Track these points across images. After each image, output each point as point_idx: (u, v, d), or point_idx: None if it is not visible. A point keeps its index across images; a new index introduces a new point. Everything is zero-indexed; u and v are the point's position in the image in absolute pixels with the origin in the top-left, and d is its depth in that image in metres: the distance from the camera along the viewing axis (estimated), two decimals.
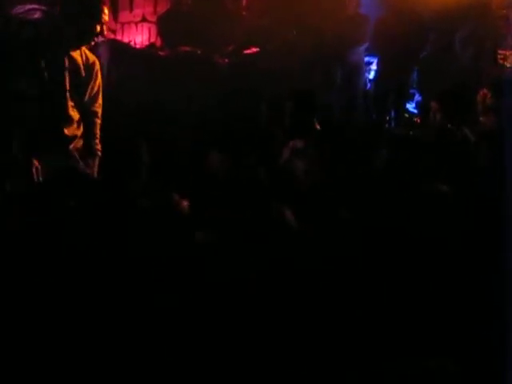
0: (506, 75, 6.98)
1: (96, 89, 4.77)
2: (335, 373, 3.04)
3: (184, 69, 7.61)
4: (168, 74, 7.57)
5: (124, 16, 8.81)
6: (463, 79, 6.90)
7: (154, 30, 8.93)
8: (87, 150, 4.77)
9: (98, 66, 4.78)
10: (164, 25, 8.56)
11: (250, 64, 7.98)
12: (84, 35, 4.57)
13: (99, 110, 4.81)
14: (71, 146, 4.69)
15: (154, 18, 8.94)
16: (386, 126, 7.85)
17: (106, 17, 4.60)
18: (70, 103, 4.63)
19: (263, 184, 4.39)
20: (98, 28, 4.54)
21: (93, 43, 4.65)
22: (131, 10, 8.83)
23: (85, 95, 4.71)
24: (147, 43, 8.87)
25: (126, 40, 8.75)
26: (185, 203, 3.83)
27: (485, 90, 6.09)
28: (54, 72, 4.54)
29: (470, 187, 4.52)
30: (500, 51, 7.21)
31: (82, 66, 4.64)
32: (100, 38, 4.68)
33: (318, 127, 5.57)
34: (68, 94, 4.59)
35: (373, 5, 8.74)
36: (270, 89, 6.67)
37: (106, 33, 4.69)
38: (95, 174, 4.79)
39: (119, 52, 7.82)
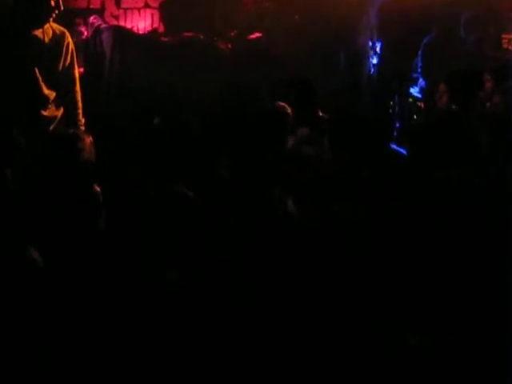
0: (510, 59, 6.95)
1: (69, 60, 4.65)
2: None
3: (187, 54, 7.58)
4: (171, 59, 7.54)
5: (127, 2, 8.80)
6: (468, 64, 6.86)
7: (156, 16, 8.91)
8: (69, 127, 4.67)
9: (68, 38, 4.65)
10: (167, 10, 8.53)
11: (253, 49, 7.95)
12: (40, 13, 4.46)
13: (76, 83, 4.69)
14: (51, 128, 4.60)
15: (156, 4, 8.92)
16: (390, 110, 7.83)
17: None
18: (43, 82, 4.53)
19: (265, 172, 4.37)
20: (53, 2, 4.43)
21: (52, 18, 4.51)
22: None
23: (57, 69, 4.59)
24: (150, 29, 8.84)
25: (128, 26, 8.72)
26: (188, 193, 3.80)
27: (487, 76, 6.04)
28: (20, 54, 4.45)
29: (474, 172, 4.51)
30: (504, 35, 7.18)
31: (49, 42, 4.51)
32: (59, 12, 4.52)
33: (321, 114, 5.53)
34: (38, 72, 4.49)
35: None
36: (272, 74, 6.63)
37: (61, 6, 4.51)
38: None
39: (122, 38, 7.78)
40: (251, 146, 4.67)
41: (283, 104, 5.05)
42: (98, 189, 3.82)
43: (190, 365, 3.04)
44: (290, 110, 4.95)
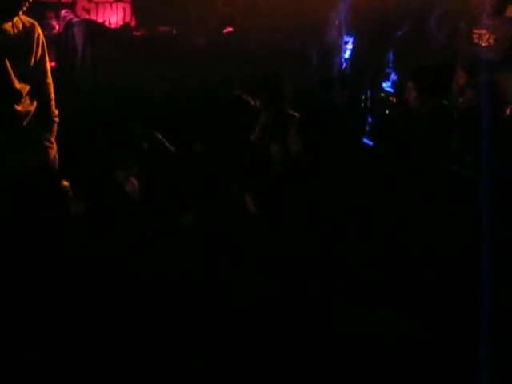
0: (481, 54, 7.01)
1: (40, 53, 4.60)
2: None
3: (159, 48, 7.58)
4: (143, 53, 7.53)
5: None
6: (439, 58, 6.92)
7: (128, 10, 8.87)
8: (43, 121, 4.67)
9: (38, 30, 4.57)
10: (139, 4, 8.52)
11: (226, 43, 7.96)
12: (9, 5, 4.40)
13: (48, 75, 4.66)
14: (25, 123, 4.58)
15: None
16: (362, 105, 7.87)
17: None
18: (15, 76, 4.50)
19: (224, 169, 4.37)
20: None
21: (22, 11, 4.45)
22: None
23: (29, 62, 4.57)
24: (122, 23, 8.80)
25: (100, 20, 8.68)
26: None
27: (460, 71, 6.10)
28: None
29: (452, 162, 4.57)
30: (475, 30, 7.24)
31: (19, 35, 4.47)
32: (29, 4, 4.48)
33: (290, 111, 5.48)
34: (10, 66, 4.45)
35: None
36: (245, 68, 6.64)
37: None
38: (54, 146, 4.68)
39: (94, 32, 7.76)
40: (217, 137, 4.67)
41: (246, 96, 5.06)
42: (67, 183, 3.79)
43: (189, 364, 3.06)
44: (253, 103, 4.94)
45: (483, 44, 7.15)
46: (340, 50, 8.54)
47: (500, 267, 3.32)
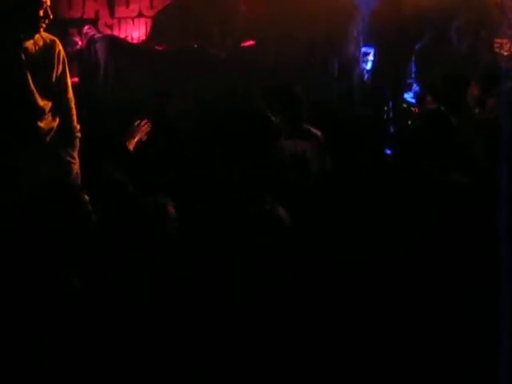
0: (502, 63, 6.99)
1: (61, 69, 4.64)
2: None
3: (181, 63, 7.62)
4: (165, 68, 7.58)
5: (120, 11, 8.79)
6: (460, 69, 6.90)
7: (150, 25, 8.92)
8: (65, 137, 4.70)
9: (59, 47, 4.60)
10: (162, 19, 8.57)
11: (247, 57, 7.99)
12: (29, 24, 4.44)
13: (69, 91, 4.69)
14: (48, 139, 4.62)
15: (150, 13, 8.93)
16: (384, 116, 7.86)
17: None
18: (38, 94, 4.54)
19: (256, 180, 4.36)
20: (41, 13, 4.37)
21: (43, 28, 4.50)
22: (127, 5, 8.82)
23: (51, 79, 4.60)
24: (144, 38, 8.86)
25: (122, 35, 8.74)
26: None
27: (473, 82, 6.07)
28: (11, 67, 4.42)
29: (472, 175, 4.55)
30: (496, 40, 7.22)
31: (40, 52, 4.51)
32: (49, 21, 4.52)
33: (308, 127, 5.44)
34: (32, 84, 4.49)
35: None
36: (265, 82, 6.64)
37: (50, 15, 4.42)
38: (77, 161, 4.72)
39: (116, 47, 7.82)
40: (237, 151, 4.66)
41: (264, 111, 5.00)
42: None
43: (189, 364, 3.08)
44: (272, 118, 4.88)
45: (505, 53, 7.14)
46: (358, 61, 8.54)
47: None
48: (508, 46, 7.08)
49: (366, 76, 8.64)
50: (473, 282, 3.50)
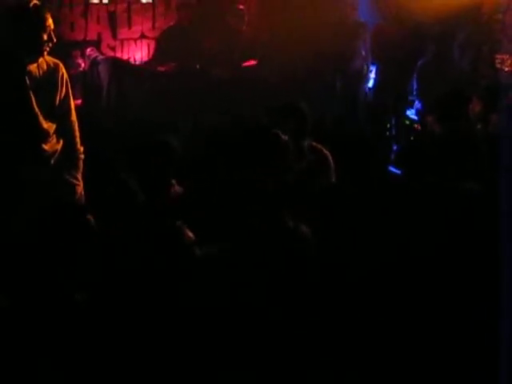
0: (504, 79, 7.00)
1: (64, 92, 4.67)
2: None
3: (183, 83, 7.65)
4: (168, 88, 7.60)
5: (123, 33, 8.84)
6: (461, 85, 6.91)
7: (152, 46, 8.96)
8: (69, 159, 4.71)
9: (62, 70, 4.63)
10: (165, 40, 8.61)
11: (249, 77, 8.02)
12: (33, 47, 4.46)
13: (72, 113, 4.71)
14: (52, 161, 4.64)
15: (152, 34, 8.98)
16: (387, 133, 7.86)
17: (50, 22, 4.43)
18: (42, 117, 4.56)
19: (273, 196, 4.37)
20: (45, 36, 4.41)
21: (46, 52, 4.50)
22: (130, 26, 8.87)
23: (55, 101, 4.63)
24: (146, 59, 8.90)
25: (125, 57, 8.78)
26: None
27: (476, 99, 6.09)
28: (15, 91, 4.46)
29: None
30: (497, 56, 7.23)
31: (44, 75, 4.54)
32: (52, 44, 4.51)
33: (314, 144, 5.44)
34: (36, 107, 4.52)
35: (370, 13, 8.78)
36: (268, 101, 6.66)
37: (54, 38, 4.46)
38: (80, 183, 4.74)
39: (119, 69, 7.85)
40: (246, 168, 4.67)
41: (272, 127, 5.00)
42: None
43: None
44: (283, 137, 4.88)
45: (506, 69, 7.14)
46: (365, 79, 8.56)
47: None
48: (509, 61, 7.08)
49: (368, 93, 8.67)
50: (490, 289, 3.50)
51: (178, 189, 4.83)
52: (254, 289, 3.41)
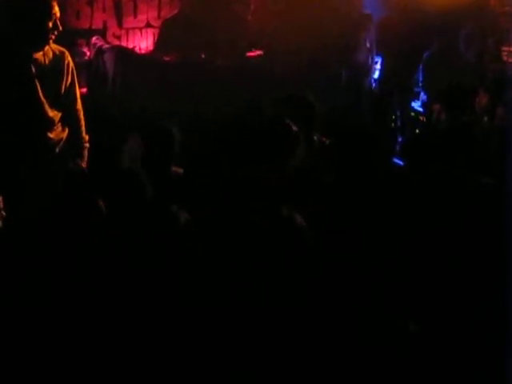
0: (510, 71, 6.99)
1: (70, 80, 4.67)
2: None
3: (188, 73, 7.63)
4: (173, 78, 7.59)
5: (128, 22, 8.82)
6: (467, 77, 6.90)
7: (158, 35, 8.95)
8: (74, 147, 4.72)
9: (68, 58, 4.63)
10: (169, 29, 8.58)
11: (253, 67, 8.00)
12: (38, 36, 4.46)
13: (78, 102, 4.71)
14: (57, 150, 4.64)
15: (158, 23, 8.96)
16: (392, 125, 7.86)
17: (56, 10, 4.44)
18: (48, 105, 4.56)
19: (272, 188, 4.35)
20: (51, 24, 4.41)
21: (52, 40, 4.50)
22: (135, 15, 8.85)
23: (60, 90, 4.62)
24: (152, 48, 8.88)
25: (130, 46, 8.77)
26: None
27: (482, 92, 6.07)
28: (21, 79, 4.46)
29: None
30: (504, 48, 7.22)
31: (50, 64, 4.53)
32: (58, 32, 4.49)
33: (317, 137, 5.42)
34: (42, 95, 4.52)
35: (376, 4, 8.76)
36: (273, 92, 6.64)
37: (59, 26, 4.47)
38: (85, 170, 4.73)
39: (124, 58, 7.84)
40: (256, 159, 4.64)
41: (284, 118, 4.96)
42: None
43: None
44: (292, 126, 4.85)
45: None
46: (370, 71, 8.54)
47: None
48: None
49: (374, 85, 8.66)
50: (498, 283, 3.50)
51: (177, 170, 4.80)
52: (253, 287, 3.39)
